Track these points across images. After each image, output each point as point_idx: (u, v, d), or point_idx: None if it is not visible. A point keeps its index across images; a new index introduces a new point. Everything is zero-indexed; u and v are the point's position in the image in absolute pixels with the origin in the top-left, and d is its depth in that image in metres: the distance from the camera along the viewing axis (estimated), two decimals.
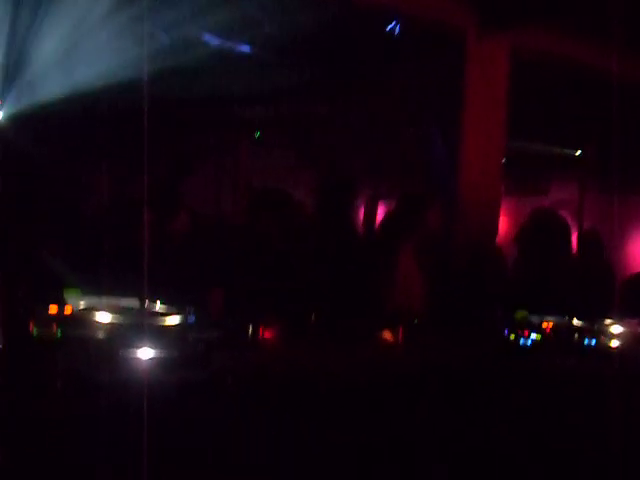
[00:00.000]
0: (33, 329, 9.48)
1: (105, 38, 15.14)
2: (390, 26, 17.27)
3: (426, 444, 9.44)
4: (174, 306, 10.52)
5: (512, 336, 11.38)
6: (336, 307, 11.52)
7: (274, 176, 19.05)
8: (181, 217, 14.52)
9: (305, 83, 17.53)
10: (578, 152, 21.31)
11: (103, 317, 9.77)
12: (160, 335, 9.66)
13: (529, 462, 9.75)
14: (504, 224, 18.08)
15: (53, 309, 10.04)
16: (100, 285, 11.03)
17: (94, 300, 10.49)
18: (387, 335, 10.78)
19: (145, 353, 9.45)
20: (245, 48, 17.02)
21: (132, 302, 10.57)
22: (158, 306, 10.73)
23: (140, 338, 9.47)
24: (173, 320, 10.02)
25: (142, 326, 9.66)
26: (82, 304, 10.43)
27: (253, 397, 9.35)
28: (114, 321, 9.73)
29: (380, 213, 20.25)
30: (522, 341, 11.34)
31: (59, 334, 9.45)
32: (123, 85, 13.78)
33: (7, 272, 10.61)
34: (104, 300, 10.53)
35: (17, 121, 13.99)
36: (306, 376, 9.42)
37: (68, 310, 10.01)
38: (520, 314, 11.69)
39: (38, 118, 13.74)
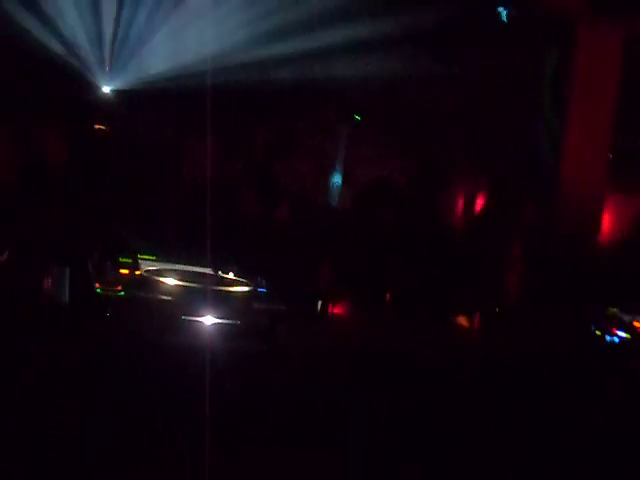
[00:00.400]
0: (99, 288, 9.36)
1: (210, 21, 15.18)
2: (499, 12, 16.79)
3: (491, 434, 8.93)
4: (246, 276, 10.30)
5: (598, 332, 10.68)
6: (418, 290, 11.11)
7: (370, 162, 18.68)
8: (282, 208, 14.42)
9: (411, 71, 17.16)
10: None
11: (169, 279, 9.58)
12: (225, 302, 9.40)
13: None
14: (609, 220, 17.28)
15: (123, 270, 9.96)
16: (175, 253, 10.90)
17: (167, 265, 10.37)
18: (462, 320, 10.31)
19: (208, 319, 9.22)
20: (354, 34, 16.76)
21: (203, 269, 10.39)
22: (229, 275, 10.51)
23: (204, 303, 9.23)
24: (240, 288, 9.77)
25: (207, 291, 9.42)
26: (154, 267, 10.28)
27: (316, 372, 8.98)
28: (179, 284, 9.53)
29: (479, 203, 19.68)
30: (608, 338, 10.71)
31: (122, 293, 9.29)
32: (225, 67, 14.09)
33: (81, 236, 10.56)
34: (175, 266, 10.37)
35: (123, 94, 14.32)
36: (373, 353, 9.01)
37: (137, 272, 9.88)
38: (612, 311, 11.17)
39: (143, 93, 14.14)
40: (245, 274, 10.72)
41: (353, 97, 18.16)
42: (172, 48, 15.59)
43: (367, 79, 16.82)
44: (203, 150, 15.17)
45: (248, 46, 15.33)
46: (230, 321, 9.28)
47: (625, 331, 10.64)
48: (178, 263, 10.91)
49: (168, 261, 11.04)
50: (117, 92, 14.88)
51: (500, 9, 16.81)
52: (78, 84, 14.17)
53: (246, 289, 9.77)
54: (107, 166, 13.11)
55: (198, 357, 8.52)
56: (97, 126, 14.84)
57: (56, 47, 13.88)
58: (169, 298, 9.35)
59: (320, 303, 9.83)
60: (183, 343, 8.92)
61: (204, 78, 14.57)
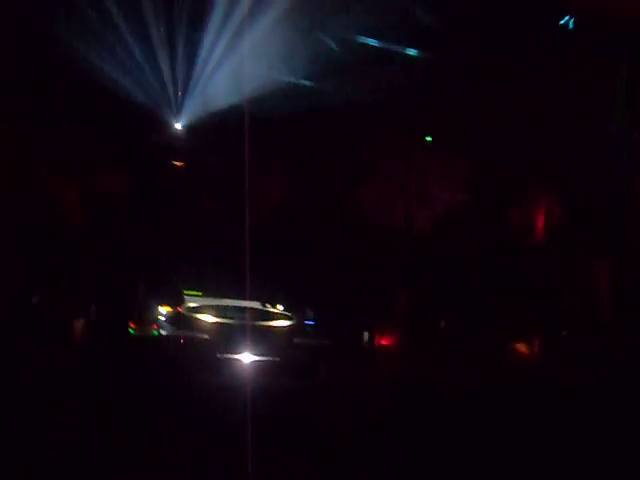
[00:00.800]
0: (136, 329, 9.10)
1: (274, 48, 15.11)
2: (566, 21, 16.31)
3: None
4: (290, 308, 9.91)
5: None
6: (472, 316, 10.56)
7: (443, 182, 18.34)
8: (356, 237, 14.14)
9: (479, 87, 16.79)
10: None
11: (207, 316, 9.25)
12: (264, 338, 9.03)
13: None
14: None
15: (167, 308, 9.71)
16: (225, 287, 10.58)
17: (212, 300, 10.06)
18: (521, 347, 9.67)
19: (245, 356, 8.84)
20: (417, 52, 16.50)
21: (250, 303, 10.04)
22: (275, 308, 10.14)
23: (242, 340, 8.87)
24: (281, 322, 9.38)
25: (245, 327, 9.05)
26: (195, 304, 9.98)
27: (360, 410, 8.49)
28: (217, 320, 9.20)
29: (557, 218, 19.18)
30: None
31: (156, 333, 9.01)
32: (291, 93, 13.92)
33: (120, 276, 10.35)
34: (220, 301, 10.03)
35: (193, 129, 14.11)
36: (415, 387, 8.48)
37: (178, 310, 9.59)
38: None
39: (211, 126, 13.86)
40: (295, 306, 10.33)
41: (422, 118, 17.90)
42: (238, 79, 15.51)
43: (434, 98, 16.53)
44: (271, 182, 15.10)
45: (313, 73, 15.17)
46: (269, 358, 8.89)
47: None
48: (226, 297, 10.57)
49: (216, 296, 10.71)
50: (188, 128, 14.94)
51: (567, 18, 16.36)
52: (151, 124, 14.16)
53: (287, 323, 9.40)
54: (173, 201, 12.94)
55: (234, 395, 8.16)
56: (174, 162, 14.86)
57: (125, 88, 13.96)
58: (206, 336, 9.03)
59: (367, 335, 9.34)
60: (219, 382, 8.54)
61: (270, 108, 14.47)
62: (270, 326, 9.39)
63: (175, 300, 10.12)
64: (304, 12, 14.58)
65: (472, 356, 9.41)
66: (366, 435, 8.25)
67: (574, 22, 16.23)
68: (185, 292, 10.54)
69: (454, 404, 8.45)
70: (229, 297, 10.57)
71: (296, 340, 9.27)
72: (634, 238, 14.79)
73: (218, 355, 8.87)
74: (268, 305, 10.01)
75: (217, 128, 14.31)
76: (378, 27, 15.45)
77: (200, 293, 10.74)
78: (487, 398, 8.52)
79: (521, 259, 12.75)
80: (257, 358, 8.91)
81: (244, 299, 10.48)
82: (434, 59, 16.09)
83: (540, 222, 18.27)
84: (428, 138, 18.88)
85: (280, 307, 10.39)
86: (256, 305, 10.22)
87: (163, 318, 9.43)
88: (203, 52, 14.81)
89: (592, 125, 16.80)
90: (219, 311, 9.59)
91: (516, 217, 15.59)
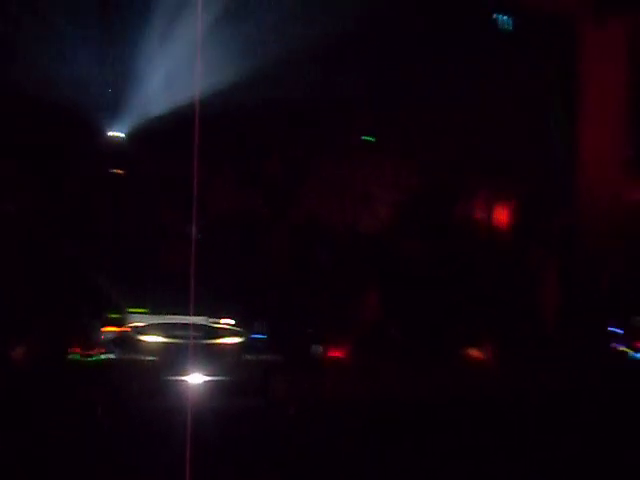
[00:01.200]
0: (78, 351, 8.77)
1: (212, 52, 14.96)
2: (497, 18, 16.64)
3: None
4: (239, 322, 9.67)
5: (625, 349, 10.13)
6: (426, 322, 10.43)
7: (385, 182, 18.42)
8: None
9: (419, 86, 16.97)
10: None
11: (151, 337, 8.97)
12: (212, 357, 8.77)
13: None
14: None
15: (111, 329, 9.41)
16: (172, 303, 10.29)
17: (157, 318, 9.77)
18: (474, 353, 9.55)
19: (194, 377, 8.58)
20: (362, 52, 16.58)
21: (197, 318, 9.78)
22: (222, 323, 9.90)
23: (188, 360, 8.59)
24: (230, 340, 9.13)
25: (191, 346, 8.78)
26: (140, 323, 9.69)
27: (317, 428, 8.29)
28: (161, 340, 8.91)
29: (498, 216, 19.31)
30: (636, 355, 9.96)
31: (100, 356, 8.70)
32: (237, 92, 13.65)
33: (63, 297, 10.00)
34: (165, 318, 9.74)
35: (130, 137, 13.78)
36: (369, 400, 8.32)
37: (118, 330, 9.29)
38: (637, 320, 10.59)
39: (149, 134, 13.55)
40: (244, 319, 10.09)
41: (363, 119, 18.02)
42: (175, 84, 15.29)
43: (375, 99, 16.67)
44: (215, 187, 14.92)
45: (253, 75, 15.05)
46: (218, 377, 8.62)
47: None
48: (173, 313, 10.27)
49: (162, 312, 10.40)
50: (124, 136, 14.61)
51: (498, 15, 16.66)
52: (84, 130, 13.80)
53: (237, 340, 9.11)
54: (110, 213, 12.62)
55: (180, 418, 7.91)
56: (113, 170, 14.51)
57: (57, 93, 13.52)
58: (150, 357, 8.73)
59: (318, 348, 9.13)
60: (165, 406, 8.26)
61: (208, 110, 14.28)
62: (218, 343, 9.12)
63: (120, 320, 9.84)
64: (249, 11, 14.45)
65: (425, 366, 9.29)
66: (323, 448, 8.10)
67: (507, 19, 16.54)
68: (130, 310, 10.25)
69: (411, 415, 8.34)
70: (176, 313, 10.29)
71: (246, 357, 9.02)
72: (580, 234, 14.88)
73: (165, 378, 8.58)
74: (216, 320, 9.78)
75: (159, 132, 14.10)
76: (323, 22, 15.43)
77: (145, 310, 10.44)
78: (441, 409, 8.43)
79: (470, 262, 12.75)
80: (205, 378, 8.64)
81: (190, 314, 10.20)
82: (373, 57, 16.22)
83: (486, 220, 18.35)
84: (370, 138, 18.97)
85: (229, 321, 10.16)
86: (204, 321, 9.95)
87: (108, 340, 9.14)
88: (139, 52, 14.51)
89: (532, 122, 17.02)
90: (165, 330, 9.29)
91: (461, 216, 15.65)
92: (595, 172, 15.69)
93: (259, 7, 14.27)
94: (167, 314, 10.19)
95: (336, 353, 8.98)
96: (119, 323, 9.73)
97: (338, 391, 8.69)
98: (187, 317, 10.08)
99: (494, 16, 16.45)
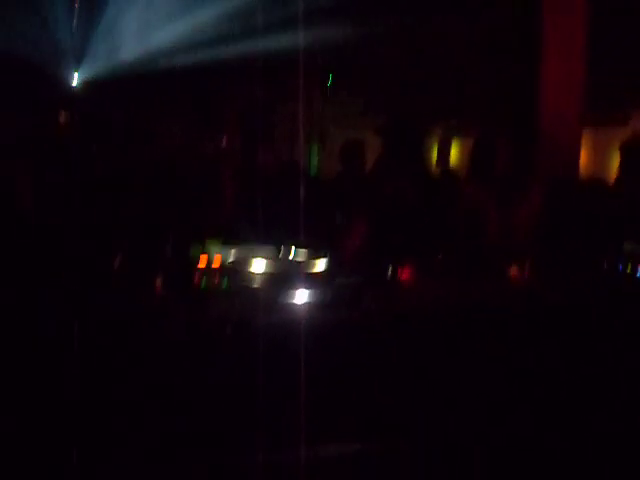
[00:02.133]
0: (201, 280, 10.24)
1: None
2: None
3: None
4: (312, 252, 11.18)
5: (628, 269, 11.01)
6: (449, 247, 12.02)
7: (345, 122, 19.02)
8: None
9: (375, 26, 17.46)
10: None
11: (257, 268, 10.50)
12: (310, 281, 10.44)
13: None
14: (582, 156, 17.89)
15: (215, 261, 10.69)
16: (240, 236, 11.58)
17: (239, 252, 11.10)
18: (514, 271, 11.29)
19: (299, 298, 10.27)
20: None
21: (274, 251, 11.22)
22: (297, 253, 11.35)
23: (293, 285, 10.27)
24: (319, 267, 10.77)
25: (293, 275, 10.44)
26: (230, 256, 11.07)
27: (398, 333, 10.15)
28: (267, 271, 10.48)
29: (455, 151, 20.00)
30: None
31: (224, 285, 10.25)
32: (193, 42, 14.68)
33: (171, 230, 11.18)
34: (247, 251, 11.12)
35: (94, 84, 14.67)
36: (439, 311, 10.17)
37: (217, 262, 10.68)
38: (628, 246, 11.26)
39: (115, 81, 14.41)
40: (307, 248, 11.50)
41: (323, 59, 18.31)
42: (139, 31, 15.79)
43: (337, 39, 16.79)
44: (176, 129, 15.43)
45: (216, 20, 15.42)
46: (318, 297, 10.31)
47: None
48: (246, 246, 11.42)
49: (234, 245, 11.50)
50: (85, 83, 15.00)
51: None
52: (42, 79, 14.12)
53: (324, 266, 10.76)
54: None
55: (297, 332, 9.67)
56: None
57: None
58: (262, 285, 10.30)
59: (390, 270, 10.92)
60: (283, 322, 9.96)
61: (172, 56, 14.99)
62: (313, 272, 10.73)
63: (224, 252, 11.06)
64: None
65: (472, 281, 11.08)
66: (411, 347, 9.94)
67: None
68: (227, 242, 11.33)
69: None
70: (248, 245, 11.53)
71: (334, 279, 10.71)
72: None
73: (277, 300, 10.21)
74: (308, 250, 11.29)
75: (117, 82, 14.60)
76: None
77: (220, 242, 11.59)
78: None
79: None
80: (308, 300, 10.32)
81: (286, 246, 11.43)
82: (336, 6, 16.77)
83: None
84: (329, 81, 19.59)
85: (319, 250, 11.27)
86: (297, 252, 11.38)
87: (215, 271, 10.57)
88: None
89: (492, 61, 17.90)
90: (260, 262, 10.78)
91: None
92: (555, 108, 16.47)
93: None
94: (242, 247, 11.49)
95: (402, 275, 10.77)
96: (225, 255, 11.00)
97: (412, 304, 10.54)
98: (260, 249, 11.49)
99: None
